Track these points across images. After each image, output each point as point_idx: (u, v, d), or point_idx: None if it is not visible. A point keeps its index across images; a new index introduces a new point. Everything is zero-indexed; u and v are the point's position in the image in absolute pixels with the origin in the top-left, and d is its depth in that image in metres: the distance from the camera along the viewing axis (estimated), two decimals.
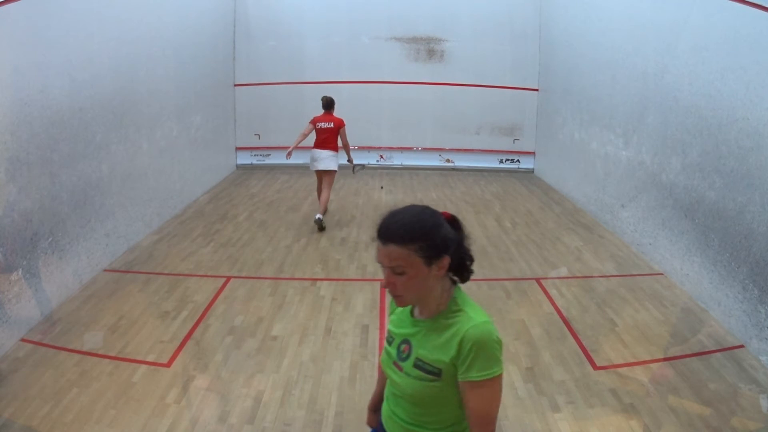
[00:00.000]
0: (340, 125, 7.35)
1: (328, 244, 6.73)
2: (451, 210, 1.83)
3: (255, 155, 11.10)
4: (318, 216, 7.15)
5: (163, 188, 7.40)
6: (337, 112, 7.50)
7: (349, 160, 7.81)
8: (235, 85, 10.77)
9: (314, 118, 7.41)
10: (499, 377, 1.64)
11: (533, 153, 10.95)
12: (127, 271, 5.78)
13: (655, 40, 6.13)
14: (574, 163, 8.70)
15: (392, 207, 1.70)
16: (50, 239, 4.85)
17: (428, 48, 10.84)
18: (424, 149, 11.12)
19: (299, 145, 7.36)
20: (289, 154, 7.32)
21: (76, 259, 5.28)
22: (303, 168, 10.88)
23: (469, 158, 11.12)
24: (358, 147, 11.00)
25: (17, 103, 4.40)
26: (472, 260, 1.79)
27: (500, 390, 1.66)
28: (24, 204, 4.47)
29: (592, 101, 7.99)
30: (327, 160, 7.35)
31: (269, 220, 7.67)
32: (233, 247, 6.56)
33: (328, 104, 7.42)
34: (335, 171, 7.47)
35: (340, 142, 7.46)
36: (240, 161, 11.05)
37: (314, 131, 7.37)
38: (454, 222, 1.76)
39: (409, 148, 11.11)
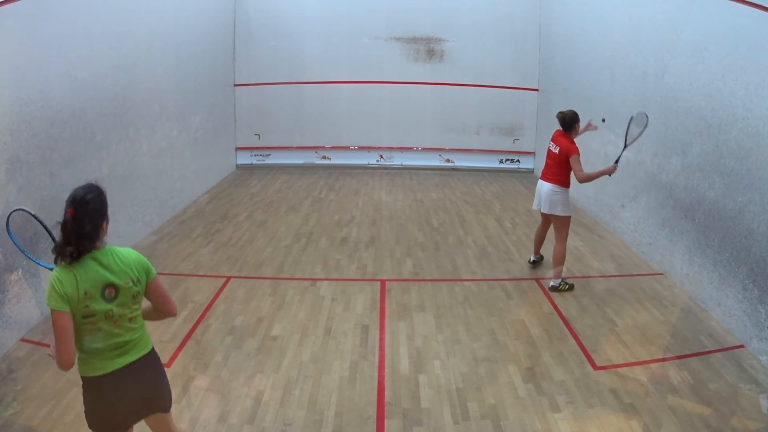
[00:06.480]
0: (567, 152, 5.22)
1: (328, 244, 6.73)
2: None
3: (255, 155, 11.10)
4: (552, 283, 5.39)
5: (163, 188, 7.40)
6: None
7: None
8: (235, 85, 10.76)
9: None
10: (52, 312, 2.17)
11: (533, 153, 10.94)
12: None
13: (655, 40, 6.13)
14: None
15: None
16: (50, 239, 4.84)
17: (428, 48, 10.84)
18: (424, 149, 11.12)
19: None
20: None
21: None
22: (303, 168, 10.96)
23: (469, 158, 11.12)
24: (359, 147, 11.07)
25: (17, 103, 4.40)
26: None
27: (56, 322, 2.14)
28: (24, 204, 4.46)
29: (592, 101, 7.98)
30: (547, 196, 5.40)
31: (269, 220, 7.67)
32: (233, 247, 6.56)
33: (562, 121, 5.40)
34: (560, 217, 5.35)
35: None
36: (240, 161, 11.05)
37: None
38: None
39: (409, 148, 11.11)
